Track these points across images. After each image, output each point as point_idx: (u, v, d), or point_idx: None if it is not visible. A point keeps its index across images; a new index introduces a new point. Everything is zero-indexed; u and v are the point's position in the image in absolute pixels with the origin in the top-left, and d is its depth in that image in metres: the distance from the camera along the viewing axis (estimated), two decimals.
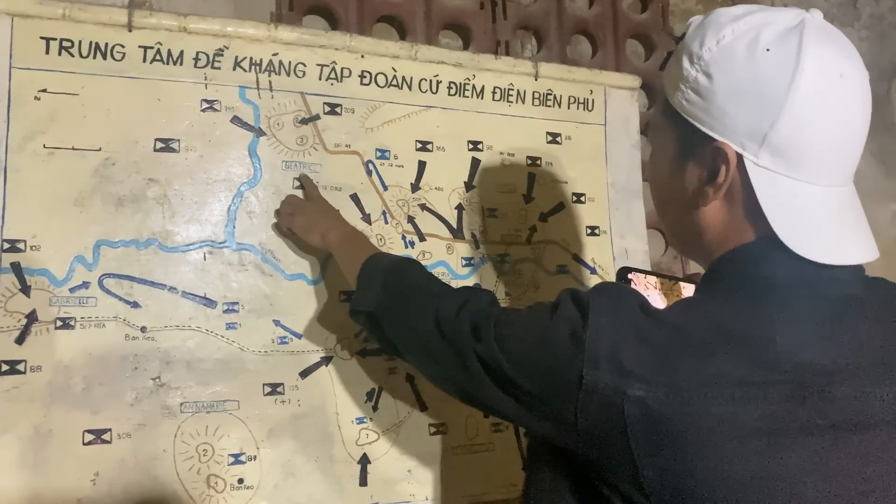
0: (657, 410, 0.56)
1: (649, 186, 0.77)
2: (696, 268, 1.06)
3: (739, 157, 0.61)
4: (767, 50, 0.60)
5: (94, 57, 0.96)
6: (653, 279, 0.99)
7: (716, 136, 0.62)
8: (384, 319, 0.83)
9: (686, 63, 0.63)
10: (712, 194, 0.63)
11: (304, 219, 1.00)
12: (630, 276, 0.95)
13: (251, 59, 1.03)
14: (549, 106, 1.23)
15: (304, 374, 1.01)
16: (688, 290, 0.96)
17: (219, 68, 1.02)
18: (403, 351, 0.83)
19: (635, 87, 1.29)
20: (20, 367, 0.89)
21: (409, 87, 1.13)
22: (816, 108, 0.59)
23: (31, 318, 0.90)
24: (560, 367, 0.61)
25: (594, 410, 0.58)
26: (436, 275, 1.10)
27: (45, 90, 0.93)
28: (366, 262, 0.88)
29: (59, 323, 0.91)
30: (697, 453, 0.56)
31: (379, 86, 1.11)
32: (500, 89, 1.19)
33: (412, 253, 1.11)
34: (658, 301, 0.99)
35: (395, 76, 1.12)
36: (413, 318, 0.79)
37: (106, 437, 0.90)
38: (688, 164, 0.66)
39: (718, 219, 0.65)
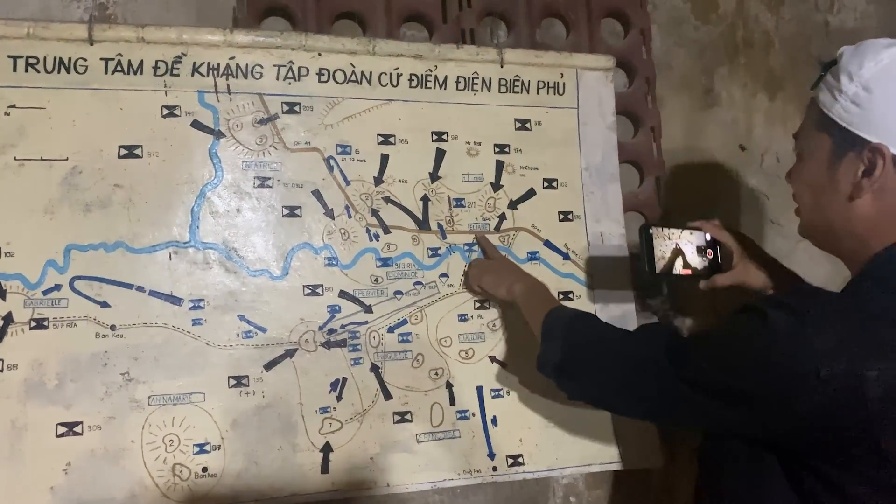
0: None
1: (796, 186, 0.88)
2: None
3: (894, 157, 0.76)
4: None
5: (59, 72, 1.01)
6: (674, 231, 1.03)
7: (872, 138, 0.76)
8: (571, 368, 0.94)
9: (845, 80, 0.79)
10: (868, 186, 0.77)
11: (491, 277, 1.11)
12: (651, 231, 1.00)
13: (209, 64, 1.07)
14: (517, 92, 1.22)
15: (269, 366, 1.05)
16: (696, 235, 1.03)
17: (178, 75, 1.06)
18: (596, 394, 0.94)
19: (609, 68, 1.27)
20: None
21: (369, 82, 1.14)
22: None
23: (7, 319, 0.97)
24: (792, 365, 0.69)
25: (831, 399, 0.67)
26: (401, 266, 1.13)
27: (14, 105, 1.00)
28: (546, 316, 0.98)
29: (33, 323, 0.98)
30: None
31: (337, 82, 1.13)
32: (464, 78, 1.19)
33: (377, 245, 1.13)
34: (692, 250, 1.03)
35: (353, 72, 1.13)
36: (602, 361, 0.91)
37: (77, 429, 0.97)
38: (842, 162, 0.80)
39: (871, 210, 0.78)
